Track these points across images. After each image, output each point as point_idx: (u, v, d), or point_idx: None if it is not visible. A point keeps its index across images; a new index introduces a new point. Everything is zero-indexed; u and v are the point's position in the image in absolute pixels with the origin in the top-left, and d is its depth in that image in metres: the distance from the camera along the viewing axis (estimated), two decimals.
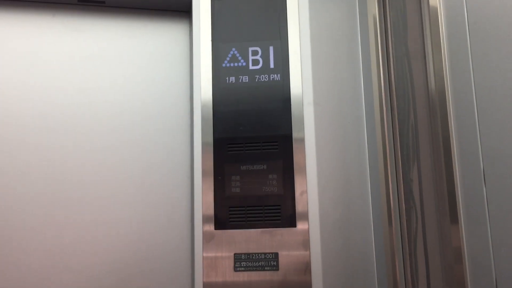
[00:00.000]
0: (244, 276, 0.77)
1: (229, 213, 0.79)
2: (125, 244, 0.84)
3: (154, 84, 0.90)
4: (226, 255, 0.78)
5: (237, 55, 0.84)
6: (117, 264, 0.83)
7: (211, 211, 0.79)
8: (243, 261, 0.78)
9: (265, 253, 0.78)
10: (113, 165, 0.86)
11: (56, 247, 0.81)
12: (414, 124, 0.76)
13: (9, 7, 0.87)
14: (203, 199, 0.79)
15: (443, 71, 0.68)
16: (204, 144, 0.81)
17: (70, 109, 0.86)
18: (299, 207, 0.79)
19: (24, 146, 0.83)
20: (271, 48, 0.84)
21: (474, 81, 0.62)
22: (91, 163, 0.85)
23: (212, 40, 0.85)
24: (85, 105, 0.87)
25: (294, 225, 0.78)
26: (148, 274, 0.83)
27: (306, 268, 0.77)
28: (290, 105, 0.82)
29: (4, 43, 0.86)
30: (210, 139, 0.81)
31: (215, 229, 0.79)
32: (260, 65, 0.84)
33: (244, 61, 0.84)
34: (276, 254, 0.78)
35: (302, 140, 0.81)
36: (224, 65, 0.84)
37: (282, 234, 0.78)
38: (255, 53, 0.84)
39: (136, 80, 0.90)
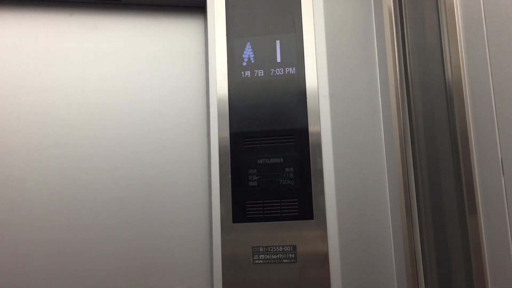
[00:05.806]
0: (262, 269, 0.78)
1: (246, 206, 0.80)
2: (145, 238, 0.85)
3: (170, 80, 0.91)
4: (244, 248, 0.79)
5: (252, 49, 0.84)
6: (138, 259, 0.84)
7: (228, 204, 0.80)
8: (261, 254, 0.78)
9: (283, 246, 0.78)
10: (129, 161, 0.87)
11: (73, 247, 0.83)
12: (431, 115, 0.76)
13: (28, 6, 0.88)
14: (221, 192, 0.80)
15: (459, 62, 0.68)
16: (220, 139, 0.82)
17: (87, 106, 0.87)
18: (316, 200, 0.79)
19: (39, 143, 0.84)
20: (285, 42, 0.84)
21: (491, 72, 0.62)
22: (108, 160, 0.86)
23: (227, 35, 0.85)
24: (102, 102, 0.88)
25: (312, 218, 0.79)
26: (167, 268, 0.84)
27: (324, 260, 0.77)
28: (306, 98, 0.82)
29: (22, 41, 0.87)
30: (227, 133, 0.82)
31: (233, 222, 0.79)
32: (275, 58, 0.84)
33: (259, 55, 0.84)
34: (294, 247, 0.78)
35: (318, 133, 0.81)
36: (239, 59, 0.84)
37: (299, 227, 0.79)
38: (270, 47, 0.84)
39: (153, 76, 0.91)
